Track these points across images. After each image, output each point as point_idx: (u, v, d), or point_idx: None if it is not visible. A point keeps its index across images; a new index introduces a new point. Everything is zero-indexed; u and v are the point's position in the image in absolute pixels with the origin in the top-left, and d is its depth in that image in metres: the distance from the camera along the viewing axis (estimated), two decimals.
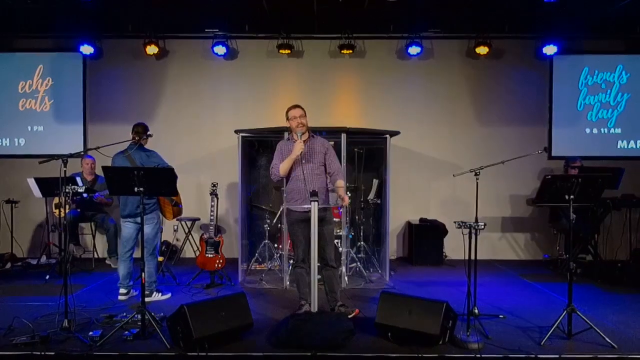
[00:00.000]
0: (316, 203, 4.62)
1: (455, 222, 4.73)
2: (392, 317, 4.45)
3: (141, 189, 4.55)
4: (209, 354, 4.13)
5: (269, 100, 8.56)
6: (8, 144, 8.59)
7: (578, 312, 4.53)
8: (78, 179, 7.11)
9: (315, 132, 5.43)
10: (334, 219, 6.22)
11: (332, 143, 5.41)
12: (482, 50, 8.29)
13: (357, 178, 7.58)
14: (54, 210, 7.57)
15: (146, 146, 5.81)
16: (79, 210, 7.53)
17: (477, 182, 4.96)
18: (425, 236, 8.06)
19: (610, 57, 8.60)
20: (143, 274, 4.65)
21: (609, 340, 4.34)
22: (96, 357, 4.14)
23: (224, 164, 8.33)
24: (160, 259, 6.64)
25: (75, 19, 7.77)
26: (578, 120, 8.61)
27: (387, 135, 6.89)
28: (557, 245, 8.04)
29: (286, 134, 5.98)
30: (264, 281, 6.67)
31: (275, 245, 7.41)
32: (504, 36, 8.41)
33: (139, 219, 5.66)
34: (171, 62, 8.64)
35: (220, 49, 8.26)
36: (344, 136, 6.51)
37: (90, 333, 4.41)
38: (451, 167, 8.31)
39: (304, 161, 5.06)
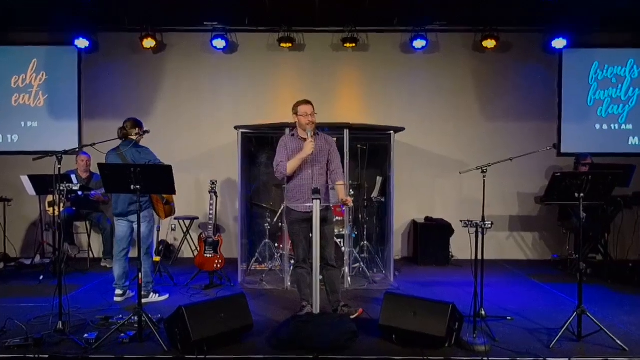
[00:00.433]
0: (318, 201, 4.60)
1: (461, 221, 4.71)
2: (397, 318, 4.43)
3: (137, 186, 4.53)
4: (207, 356, 4.11)
5: (269, 95, 8.55)
6: (1, 141, 8.58)
7: (588, 314, 4.52)
8: (73, 177, 7.09)
9: (317, 128, 5.40)
10: (337, 218, 6.21)
11: (335, 139, 5.39)
12: (489, 43, 8.26)
13: (360, 175, 7.57)
14: (47, 208, 7.56)
15: (142, 143, 5.77)
16: (73, 208, 7.53)
17: (484, 180, 4.94)
18: (431, 235, 8.04)
19: (621, 50, 8.57)
20: (140, 274, 4.64)
21: (620, 343, 4.32)
22: None
23: (224, 161, 8.31)
24: (157, 259, 6.64)
25: (70, 11, 7.71)
26: (588, 116, 8.58)
27: (392, 132, 6.88)
28: (566, 244, 8.03)
29: (287, 130, 5.96)
30: (265, 282, 6.66)
31: (276, 244, 7.40)
32: (512, 29, 8.39)
33: (131, 217, 5.66)
34: (169, 56, 8.62)
35: (219, 43, 8.23)
36: (346, 132, 6.50)
37: (86, 335, 4.41)
38: (457, 164, 8.28)
39: (311, 160, 5.04)
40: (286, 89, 8.47)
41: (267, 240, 7.38)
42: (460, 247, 8.02)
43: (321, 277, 5.00)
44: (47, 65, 8.59)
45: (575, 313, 4.53)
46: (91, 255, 7.96)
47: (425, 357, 4.13)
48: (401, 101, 8.58)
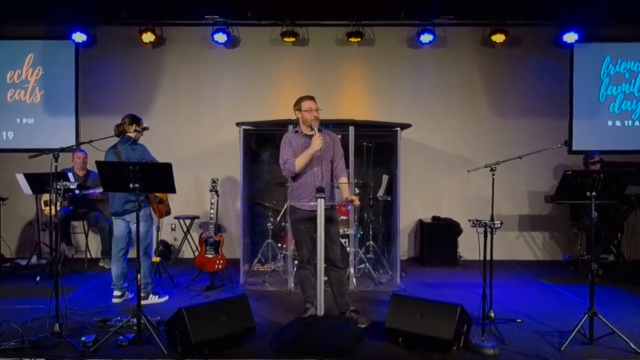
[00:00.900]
0: (322, 200, 4.59)
1: (469, 221, 4.70)
2: (403, 321, 4.43)
3: (136, 185, 4.53)
4: (208, 359, 4.12)
5: (272, 90, 8.55)
6: None
7: (600, 316, 4.51)
8: (70, 175, 7.09)
9: (320, 124, 5.39)
10: (342, 217, 6.20)
11: (340, 136, 5.38)
12: (498, 38, 8.23)
13: (365, 174, 7.56)
14: (43, 207, 7.57)
15: (141, 140, 5.76)
16: (70, 207, 7.54)
17: (492, 178, 4.93)
18: (438, 235, 8.04)
19: (634, 45, 8.52)
20: (139, 275, 4.64)
21: (633, 346, 4.31)
22: None
23: (225, 158, 8.30)
24: (156, 259, 6.64)
25: (67, 4, 7.74)
26: (599, 112, 8.55)
27: (398, 129, 6.87)
28: (577, 245, 8.00)
29: (291, 127, 5.95)
30: (267, 283, 6.66)
31: (279, 244, 7.39)
32: (522, 23, 8.35)
33: (127, 217, 5.66)
34: (169, 50, 8.62)
35: (220, 37, 8.23)
36: (351, 129, 6.49)
37: (83, 338, 4.42)
38: (465, 162, 8.25)
39: (318, 157, 5.02)
40: (289, 84, 8.47)
41: (269, 240, 7.35)
42: (469, 247, 8.00)
43: (326, 278, 5.00)
44: (43, 60, 8.60)
45: (586, 315, 4.52)
46: (89, 256, 7.97)
47: None
48: (407, 97, 8.57)
